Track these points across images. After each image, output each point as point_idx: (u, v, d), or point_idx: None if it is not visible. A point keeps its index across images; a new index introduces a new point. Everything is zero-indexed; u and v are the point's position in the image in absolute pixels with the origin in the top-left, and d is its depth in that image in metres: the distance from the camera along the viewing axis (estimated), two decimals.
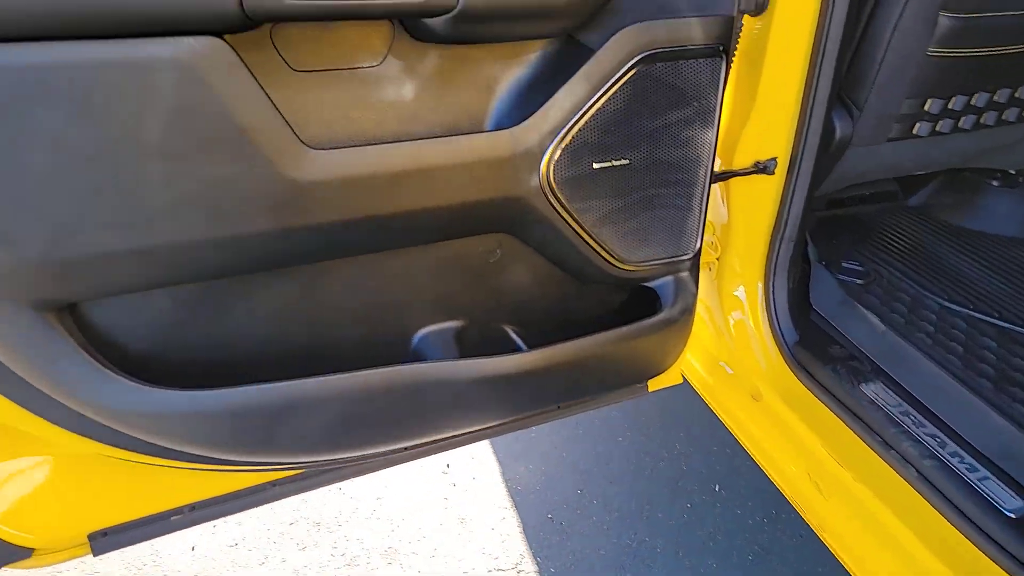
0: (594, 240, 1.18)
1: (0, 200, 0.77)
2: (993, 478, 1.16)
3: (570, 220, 1.14)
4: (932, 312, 1.49)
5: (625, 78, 1.06)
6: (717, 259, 1.55)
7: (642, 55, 1.06)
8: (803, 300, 1.52)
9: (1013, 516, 1.09)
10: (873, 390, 1.34)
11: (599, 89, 1.05)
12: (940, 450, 1.21)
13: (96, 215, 0.82)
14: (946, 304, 1.51)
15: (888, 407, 1.30)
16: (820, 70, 1.28)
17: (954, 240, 1.76)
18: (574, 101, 1.04)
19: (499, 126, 1.06)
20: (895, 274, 1.60)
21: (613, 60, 1.05)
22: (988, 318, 1.47)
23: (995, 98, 1.53)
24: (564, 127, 1.05)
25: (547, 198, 1.10)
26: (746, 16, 1.29)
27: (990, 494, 1.13)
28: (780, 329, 1.44)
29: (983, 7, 1.36)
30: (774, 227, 1.43)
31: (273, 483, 1.29)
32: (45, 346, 0.88)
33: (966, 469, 1.18)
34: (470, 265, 1.21)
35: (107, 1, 0.72)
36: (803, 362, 1.41)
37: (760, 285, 1.45)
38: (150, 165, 0.82)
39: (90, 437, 1.00)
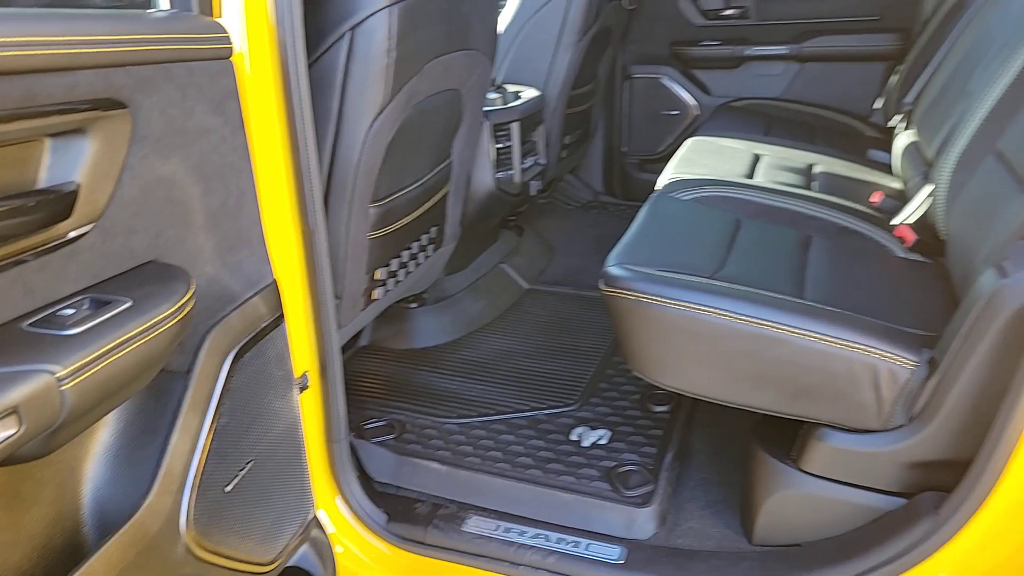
0: (241, 561, 1.09)
1: None
2: (593, 542, 1.38)
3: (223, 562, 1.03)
4: (458, 433, 1.67)
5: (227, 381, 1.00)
6: None
7: (232, 354, 1.00)
8: (367, 481, 1.55)
9: (621, 561, 1.34)
10: (474, 525, 1.43)
11: (211, 408, 0.96)
12: (549, 544, 1.38)
13: None
14: (461, 421, 1.71)
15: (493, 533, 1.41)
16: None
17: (413, 363, 1.98)
18: (192, 438, 0.93)
19: (100, 503, 0.88)
20: (407, 413, 1.75)
21: (211, 376, 0.96)
22: (494, 417, 1.72)
23: (411, 254, 1.81)
24: (192, 470, 0.93)
25: (196, 555, 0.96)
26: None
27: (599, 555, 1.35)
28: (369, 521, 1.43)
29: (390, 193, 1.58)
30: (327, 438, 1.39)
31: None
32: None
33: (573, 547, 1.37)
34: None
35: None
36: (406, 536, 1.42)
37: (339, 499, 1.41)
38: None
39: None
